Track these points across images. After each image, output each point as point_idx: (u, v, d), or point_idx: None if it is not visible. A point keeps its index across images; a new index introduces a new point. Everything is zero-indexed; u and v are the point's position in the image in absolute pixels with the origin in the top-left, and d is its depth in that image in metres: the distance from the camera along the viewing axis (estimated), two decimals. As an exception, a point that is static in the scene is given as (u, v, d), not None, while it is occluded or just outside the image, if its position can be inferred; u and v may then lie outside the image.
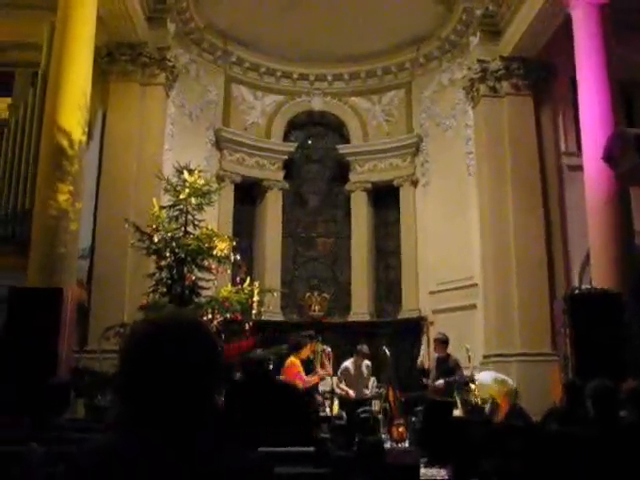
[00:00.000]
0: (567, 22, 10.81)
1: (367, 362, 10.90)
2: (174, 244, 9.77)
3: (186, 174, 10.45)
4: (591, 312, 8.51)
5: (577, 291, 9.59)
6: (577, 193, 11.22)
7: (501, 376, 9.00)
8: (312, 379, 9.85)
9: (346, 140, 16.95)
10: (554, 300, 11.90)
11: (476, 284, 13.65)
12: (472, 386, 9.90)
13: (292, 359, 9.64)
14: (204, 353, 1.50)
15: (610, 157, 8.98)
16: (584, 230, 10.39)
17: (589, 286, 9.62)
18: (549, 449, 3.65)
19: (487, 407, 8.72)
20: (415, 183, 15.97)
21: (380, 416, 10.53)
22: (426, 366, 10.58)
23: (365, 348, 10.84)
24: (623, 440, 3.35)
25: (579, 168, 10.85)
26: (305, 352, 9.82)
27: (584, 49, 10.32)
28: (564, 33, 11.02)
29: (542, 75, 13.44)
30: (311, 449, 3.51)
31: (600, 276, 9.46)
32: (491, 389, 8.16)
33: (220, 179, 14.91)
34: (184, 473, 1.39)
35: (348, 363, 10.84)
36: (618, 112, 10.23)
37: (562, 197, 13.09)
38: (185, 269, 9.82)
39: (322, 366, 9.93)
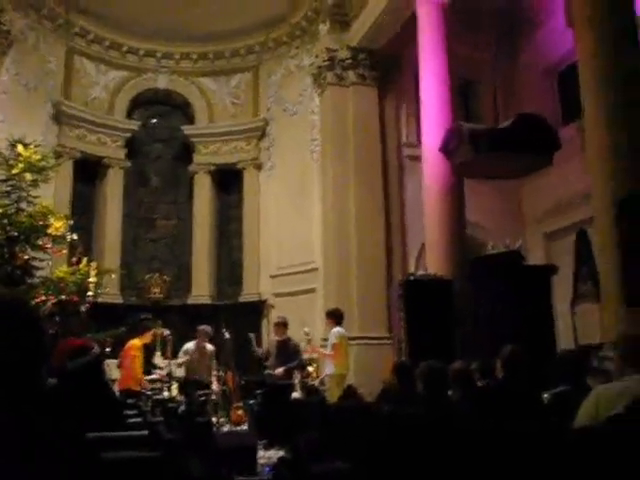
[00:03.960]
0: (413, 18, 11.11)
1: (210, 347, 10.45)
2: (5, 221, 9.32)
3: (20, 148, 9.98)
4: (424, 297, 8.86)
5: (412, 277, 9.93)
6: (416, 183, 11.56)
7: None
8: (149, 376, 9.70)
9: (191, 121, 16.71)
10: (391, 285, 12.33)
11: (317, 268, 13.88)
12: (310, 369, 10.11)
13: (134, 342, 9.46)
14: (22, 335, 1.38)
15: (447, 149, 9.35)
16: (422, 218, 10.73)
17: (424, 272, 9.99)
18: (382, 428, 3.77)
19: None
20: (259, 167, 16.04)
21: (219, 399, 10.47)
22: (262, 351, 10.51)
23: (208, 328, 10.33)
24: (449, 417, 3.53)
25: (418, 159, 11.21)
26: (148, 336, 9.63)
27: (427, 45, 10.65)
28: (410, 28, 11.32)
29: (388, 67, 13.73)
30: (144, 433, 3.46)
31: (434, 263, 9.84)
32: None
33: (58, 155, 14.22)
34: None
35: (190, 344, 10.41)
36: (456, 107, 10.67)
37: (402, 186, 13.51)
38: (17, 248, 9.39)
39: (163, 353, 9.77)
